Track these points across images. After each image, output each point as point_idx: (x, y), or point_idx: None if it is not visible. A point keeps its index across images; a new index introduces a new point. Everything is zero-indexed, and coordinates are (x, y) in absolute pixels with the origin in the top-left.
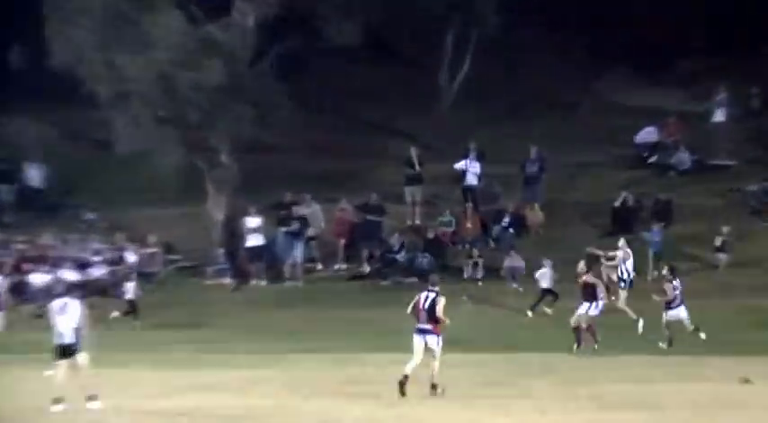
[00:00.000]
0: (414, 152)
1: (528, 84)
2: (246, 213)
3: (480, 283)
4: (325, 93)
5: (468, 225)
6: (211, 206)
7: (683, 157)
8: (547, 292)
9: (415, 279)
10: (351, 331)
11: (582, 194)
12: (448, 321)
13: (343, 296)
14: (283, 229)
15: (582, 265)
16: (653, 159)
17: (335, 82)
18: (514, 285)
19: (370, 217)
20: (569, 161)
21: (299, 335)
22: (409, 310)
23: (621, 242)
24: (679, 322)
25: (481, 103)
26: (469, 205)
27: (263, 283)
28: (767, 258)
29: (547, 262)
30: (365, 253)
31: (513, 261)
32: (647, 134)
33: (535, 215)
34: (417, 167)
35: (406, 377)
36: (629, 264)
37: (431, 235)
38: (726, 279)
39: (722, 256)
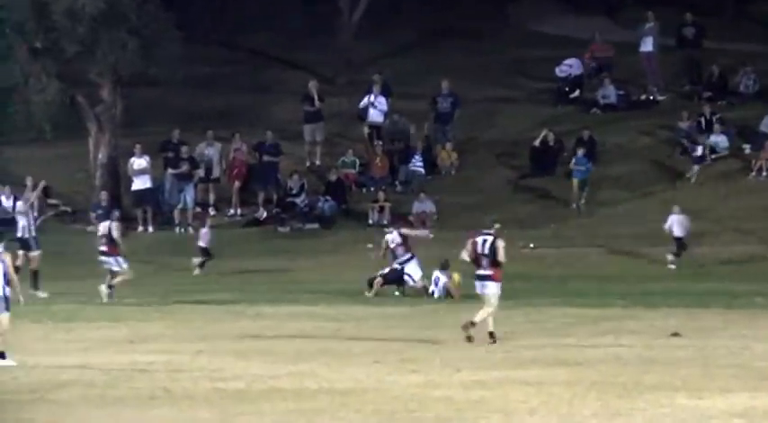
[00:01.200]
0: (313, 86)
1: (438, 11)
2: (131, 154)
3: (387, 229)
4: (216, 22)
5: (377, 164)
6: (93, 146)
7: (609, 92)
8: (679, 241)
9: (315, 225)
10: (246, 281)
11: (498, 132)
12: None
13: (237, 244)
14: (172, 171)
15: None
16: (575, 94)
17: (227, 10)
18: (424, 231)
19: (266, 157)
20: (484, 96)
21: (188, 286)
22: (465, 256)
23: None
24: None
25: (387, 32)
26: (375, 144)
27: (151, 229)
28: (706, 207)
29: (677, 208)
30: (261, 197)
31: (423, 204)
32: (569, 67)
33: (447, 155)
34: (317, 103)
35: (472, 323)
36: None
37: (333, 177)
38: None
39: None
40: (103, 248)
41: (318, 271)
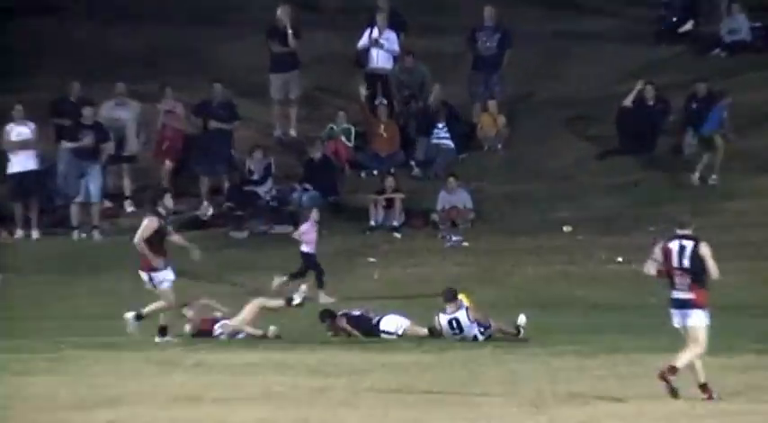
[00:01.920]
0: (285, 14)
1: None
2: (6, 118)
3: (398, 235)
4: None
5: (381, 135)
6: None
7: (739, 24)
8: None
9: (288, 228)
10: (181, 313)
11: (568, 87)
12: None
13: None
14: (68, 144)
15: None
16: (686, 27)
17: None
18: (454, 238)
19: (213, 124)
20: (548, 31)
21: (89, 321)
22: (651, 269)
23: None
24: None
25: None
26: (380, 103)
27: (35, 234)
28: None
29: None
30: (205, 184)
31: (454, 196)
32: None
33: (492, 120)
34: (291, 41)
35: (672, 369)
36: None
37: (315, 154)
38: None
39: None
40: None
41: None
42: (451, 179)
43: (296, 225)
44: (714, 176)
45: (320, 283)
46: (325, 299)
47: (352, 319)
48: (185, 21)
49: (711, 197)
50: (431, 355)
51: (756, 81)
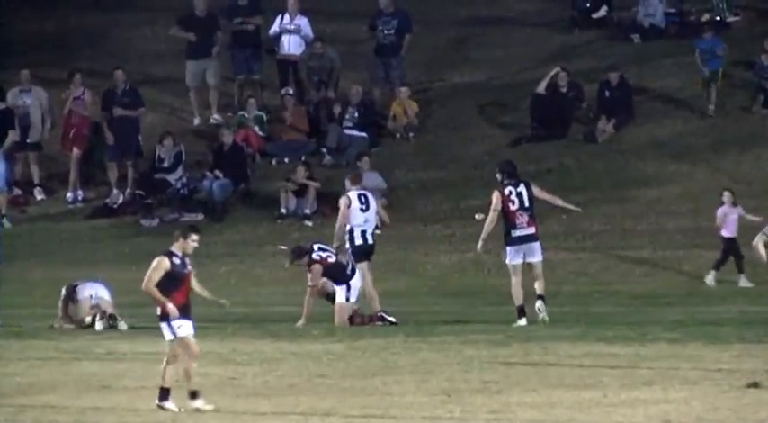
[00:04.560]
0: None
1: None
2: None
3: (310, 223)
4: None
5: (290, 122)
6: None
7: (654, 9)
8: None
9: (199, 216)
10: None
11: (480, 72)
12: None
13: (78, 244)
14: None
15: None
16: (601, 13)
17: None
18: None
19: (121, 111)
20: (459, 16)
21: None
22: (761, 248)
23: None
24: None
25: None
26: (288, 91)
27: None
28: None
29: (727, 194)
30: (114, 172)
31: (367, 179)
32: None
33: (401, 107)
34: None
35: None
36: None
37: (226, 139)
38: None
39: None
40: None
41: (205, 284)
42: (366, 159)
43: (205, 213)
44: (711, 107)
45: None
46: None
47: (327, 269)
48: (95, 6)
49: (625, 185)
50: (342, 344)
51: (669, 68)
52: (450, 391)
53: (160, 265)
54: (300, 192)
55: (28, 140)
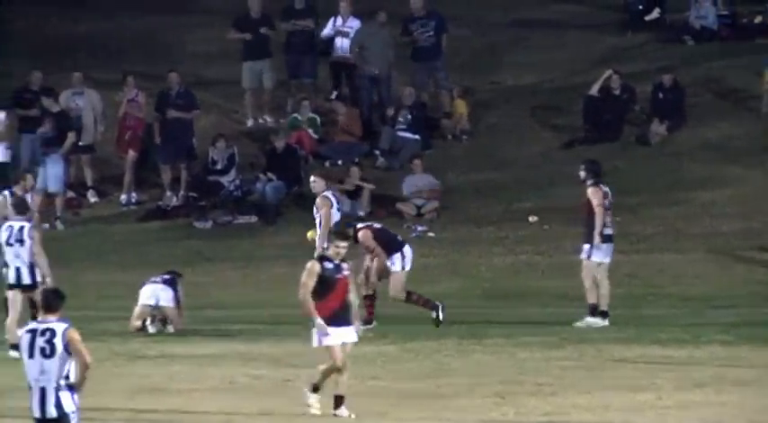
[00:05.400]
0: (255, 1)
1: None
2: None
3: None
4: None
5: (343, 124)
6: None
7: (707, 11)
8: None
9: (252, 218)
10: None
11: (530, 74)
12: None
13: (131, 246)
14: (30, 135)
15: None
16: (653, 15)
17: None
18: (420, 228)
19: (175, 113)
20: (513, 18)
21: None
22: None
23: None
24: None
25: None
26: (338, 93)
27: None
28: None
29: None
30: (167, 174)
31: (421, 180)
32: None
33: (455, 106)
34: (264, 28)
35: None
36: None
37: (279, 143)
38: None
39: None
40: None
41: (256, 288)
42: (417, 161)
43: (258, 215)
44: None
45: None
46: None
47: (376, 233)
48: (147, 8)
49: (677, 187)
50: (395, 347)
51: (722, 70)
52: (504, 394)
53: (311, 270)
54: (354, 193)
55: (80, 143)
